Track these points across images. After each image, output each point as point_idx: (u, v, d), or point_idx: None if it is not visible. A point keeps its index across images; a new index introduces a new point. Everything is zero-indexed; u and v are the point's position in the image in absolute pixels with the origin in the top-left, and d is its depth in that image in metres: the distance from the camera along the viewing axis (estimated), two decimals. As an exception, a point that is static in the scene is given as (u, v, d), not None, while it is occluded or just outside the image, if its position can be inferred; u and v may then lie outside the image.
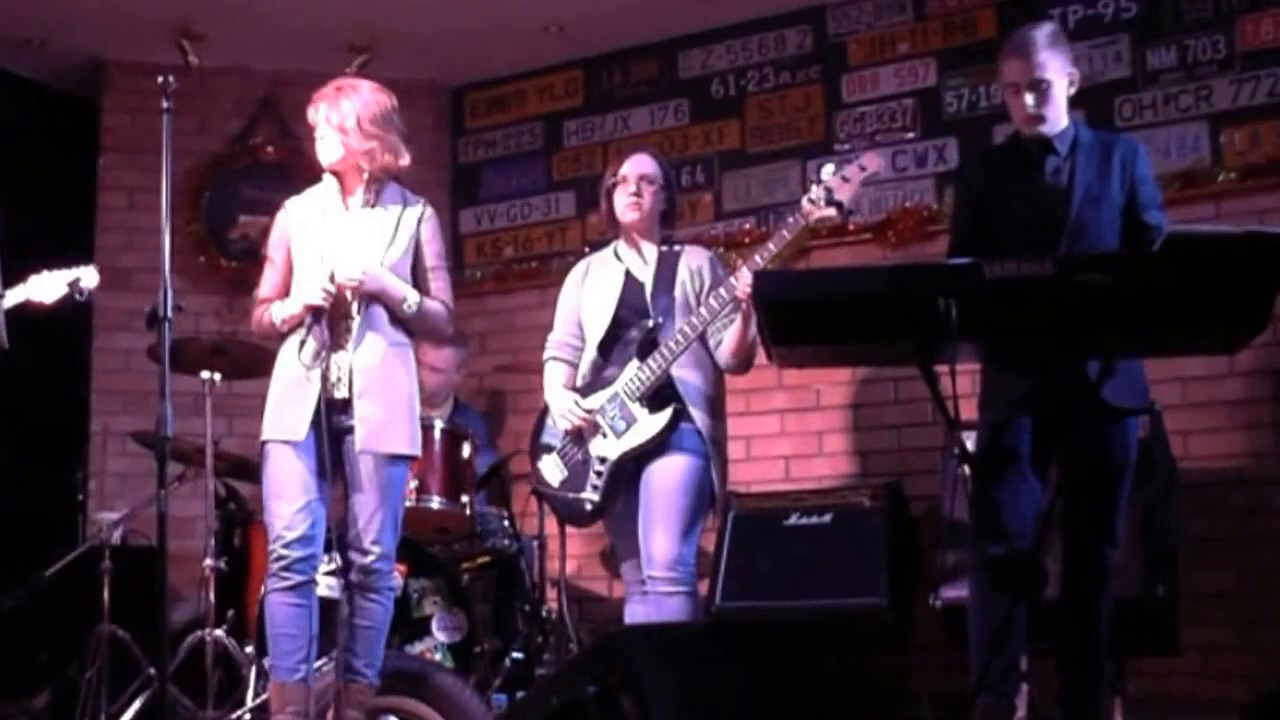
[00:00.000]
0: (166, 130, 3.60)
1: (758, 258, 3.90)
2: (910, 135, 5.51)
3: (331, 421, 3.63)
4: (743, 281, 3.87)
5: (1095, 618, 3.59)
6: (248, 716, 4.14)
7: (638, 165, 4.18)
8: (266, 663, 3.81)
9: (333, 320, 3.68)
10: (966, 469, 3.32)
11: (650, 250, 4.22)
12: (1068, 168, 3.64)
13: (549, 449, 4.20)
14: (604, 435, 4.06)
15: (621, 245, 4.26)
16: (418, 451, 3.82)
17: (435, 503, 4.70)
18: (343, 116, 3.71)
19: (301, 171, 3.89)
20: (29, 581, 4.92)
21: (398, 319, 3.74)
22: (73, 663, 4.81)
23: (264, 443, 3.71)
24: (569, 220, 6.19)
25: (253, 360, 4.47)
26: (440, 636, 4.52)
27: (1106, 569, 3.60)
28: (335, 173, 3.79)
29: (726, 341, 4.05)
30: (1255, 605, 4.56)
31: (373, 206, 3.78)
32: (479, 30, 5.88)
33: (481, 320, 6.21)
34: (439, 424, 4.82)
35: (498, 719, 4.10)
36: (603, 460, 4.06)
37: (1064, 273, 2.78)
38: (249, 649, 4.44)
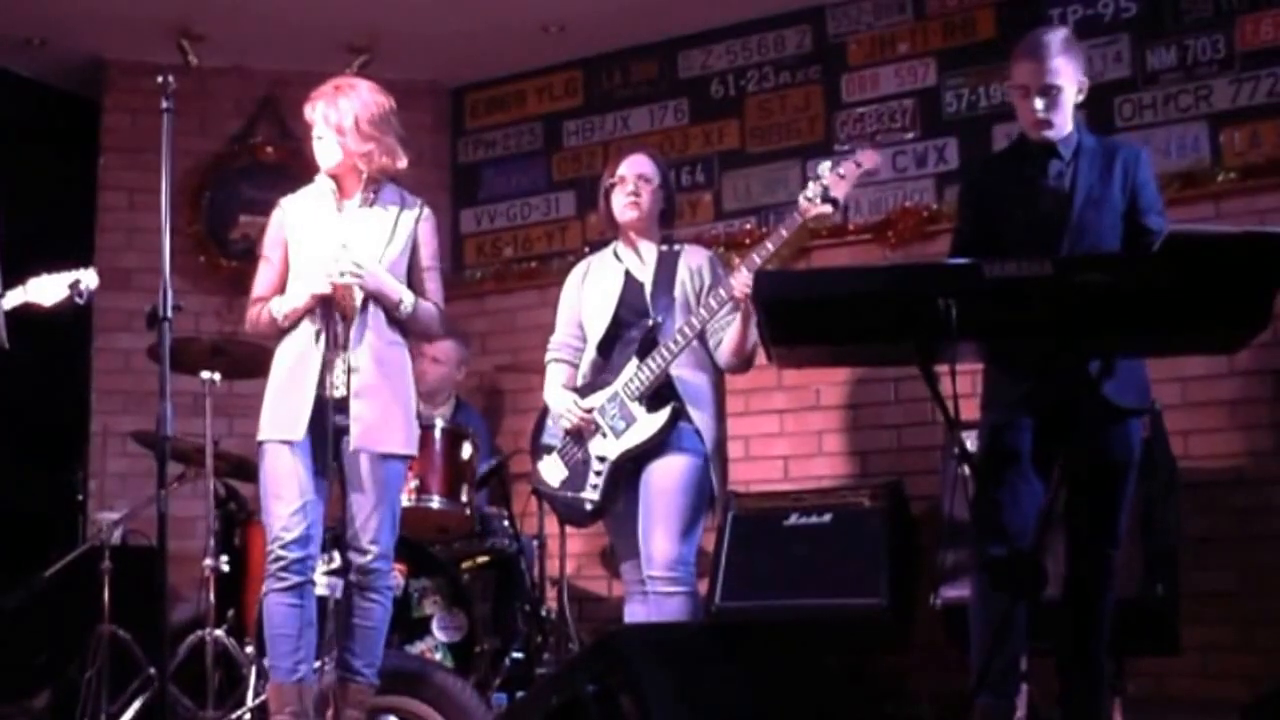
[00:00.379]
0: (166, 130, 3.60)
1: (755, 257, 3.90)
2: (910, 135, 5.51)
3: (328, 421, 3.62)
4: (739, 281, 3.87)
5: (1096, 618, 3.59)
6: (248, 716, 4.14)
7: (635, 165, 4.18)
8: (266, 662, 3.80)
9: (331, 316, 3.67)
10: (966, 469, 3.32)
11: (650, 250, 4.22)
12: (1070, 171, 3.64)
13: (549, 449, 4.20)
14: (603, 435, 4.07)
15: (621, 245, 4.26)
16: (414, 451, 3.81)
17: (435, 502, 4.70)
18: (341, 116, 3.69)
19: (301, 171, 3.88)
20: (29, 582, 4.92)
21: (393, 319, 3.73)
22: (73, 663, 4.82)
23: (261, 443, 3.70)
24: (569, 220, 6.19)
25: (253, 360, 4.47)
26: (440, 636, 4.53)
27: (1108, 569, 3.60)
28: (332, 174, 3.78)
29: (726, 341, 4.05)
30: (1255, 605, 4.56)
31: (370, 206, 3.77)
32: (479, 30, 5.88)
33: (481, 320, 6.22)
34: (440, 424, 4.82)
35: (498, 718, 4.09)
36: (602, 460, 4.07)
37: (1063, 273, 2.78)
38: (249, 649, 4.44)
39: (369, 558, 3.65)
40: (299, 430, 3.62)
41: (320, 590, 3.79)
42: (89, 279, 4.02)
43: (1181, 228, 2.90)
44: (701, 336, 4.05)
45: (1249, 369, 4.67)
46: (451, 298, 6.21)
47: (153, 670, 4.59)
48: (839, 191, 3.91)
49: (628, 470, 4.06)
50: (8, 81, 6.15)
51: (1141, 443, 3.67)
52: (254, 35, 5.86)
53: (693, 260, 4.18)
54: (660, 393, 4.02)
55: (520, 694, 4.65)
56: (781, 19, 5.78)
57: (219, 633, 4.57)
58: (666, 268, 4.16)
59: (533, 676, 4.84)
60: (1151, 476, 4.05)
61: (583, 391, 4.15)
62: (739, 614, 4.62)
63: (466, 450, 4.82)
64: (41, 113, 6.30)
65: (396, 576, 4.47)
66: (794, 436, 5.50)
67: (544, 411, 4.27)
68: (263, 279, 3.80)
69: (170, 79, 3.64)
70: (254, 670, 4.31)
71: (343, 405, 3.64)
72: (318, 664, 3.78)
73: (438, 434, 4.75)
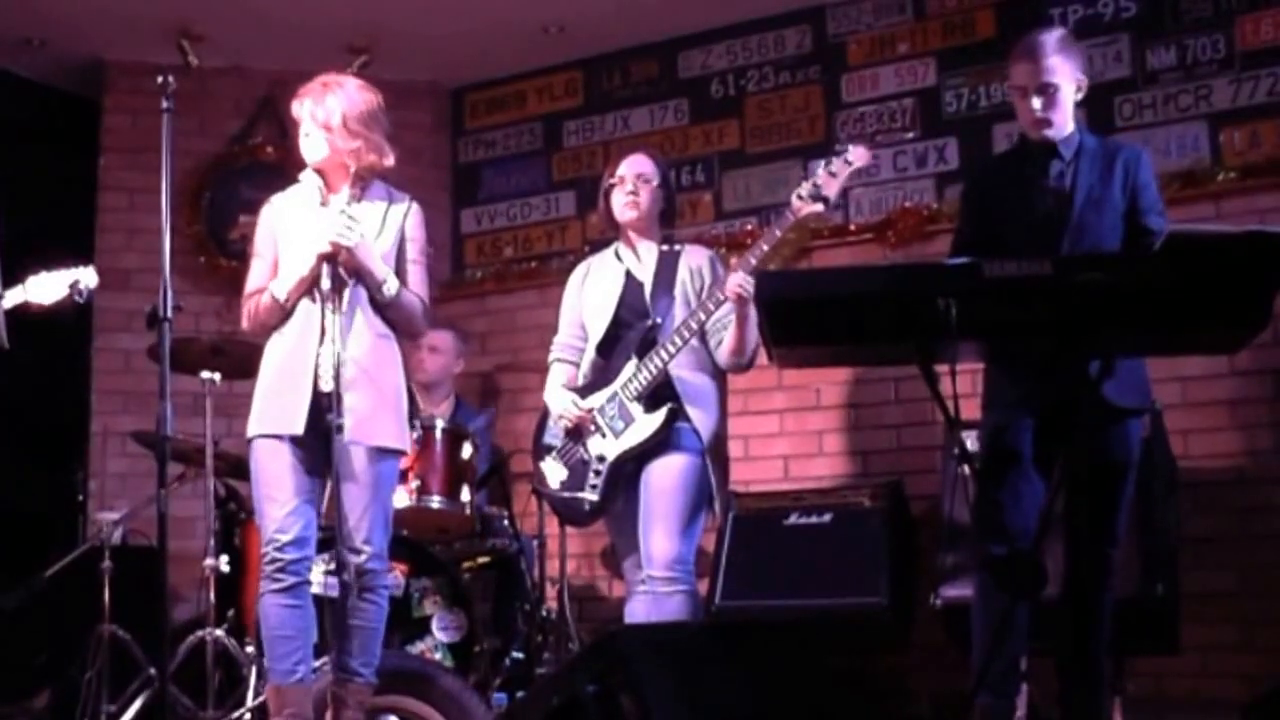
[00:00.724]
0: (167, 130, 3.60)
1: (750, 258, 3.92)
2: (910, 135, 5.51)
3: (320, 416, 3.57)
4: (734, 283, 3.88)
5: (1096, 618, 3.59)
6: (248, 716, 4.14)
7: (634, 165, 4.18)
8: (266, 664, 3.80)
9: (326, 298, 3.60)
10: (967, 468, 3.32)
11: (650, 250, 4.22)
12: (1071, 171, 3.65)
13: (550, 449, 4.21)
14: (603, 435, 4.07)
15: (621, 245, 4.26)
16: (406, 447, 3.77)
17: (436, 502, 4.69)
18: (328, 114, 3.67)
19: (300, 171, 3.87)
20: (29, 581, 4.92)
21: (379, 309, 3.68)
22: (73, 663, 4.81)
23: (251, 439, 3.66)
24: (569, 220, 6.19)
25: (252, 360, 4.43)
26: (440, 636, 4.52)
27: (1107, 569, 3.60)
28: (320, 170, 3.75)
29: (725, 341, 4.05)
30: (1255, 605, 4.56)
31: (359, 202, 3.71)
32: (479, 30, 5.88)
33: (481, 320, 6.22)
34: (440, 424, 4.82)
35: (498, 718, 4.10)
36: (601, 460, 4.07)
37: (1063, 273, 2.78)
38: (249, 649, 4.44)
39: (363, 558, 3.60)
40: (298, 424, 3.58)
41: (318, 589, 3.79)
42: (88, 278, 4.01)
43: (1181, 227, 2.90)
44: (702, 336, 4.05)
45: (1249, 369, 4.67)
46: (451, 298, 6.29)
47: (153, 670, 4.60)
48: (830, 189, 3.93)
49: (627, 470, 4.06)
50: (8, 81, 6.15)
51: (1141, 442, 3.67)
52: (254, 35, 5.86)
53: (693, 260, 4.18)
54: (659, 393, 4.03)
55: (520, 694, 4.65)
56: (781, 19, 5.78)
57: (219, 633, 4.57)
58: (667, 268, 4.16)
59: (533, 676, 4.84)
60: (1151, 476, 4.05)
61: (583, 391, 4.16)
62: (739, 614, 4.62)
63: (467, 450, 4.82)
64: (41, 113, 6.30)
65: (397, 576, 4.48)
66: (794, 436, 5.50)
67: (546, 411, 4.28)
68: (256, 274, 3.76)
69: (170, 79, 3.63)
70: (254, 670, 4.31)
71: (332, 400, 3.56)
72: (317, 664, 3.78)
73: (438, 434, 4.75)
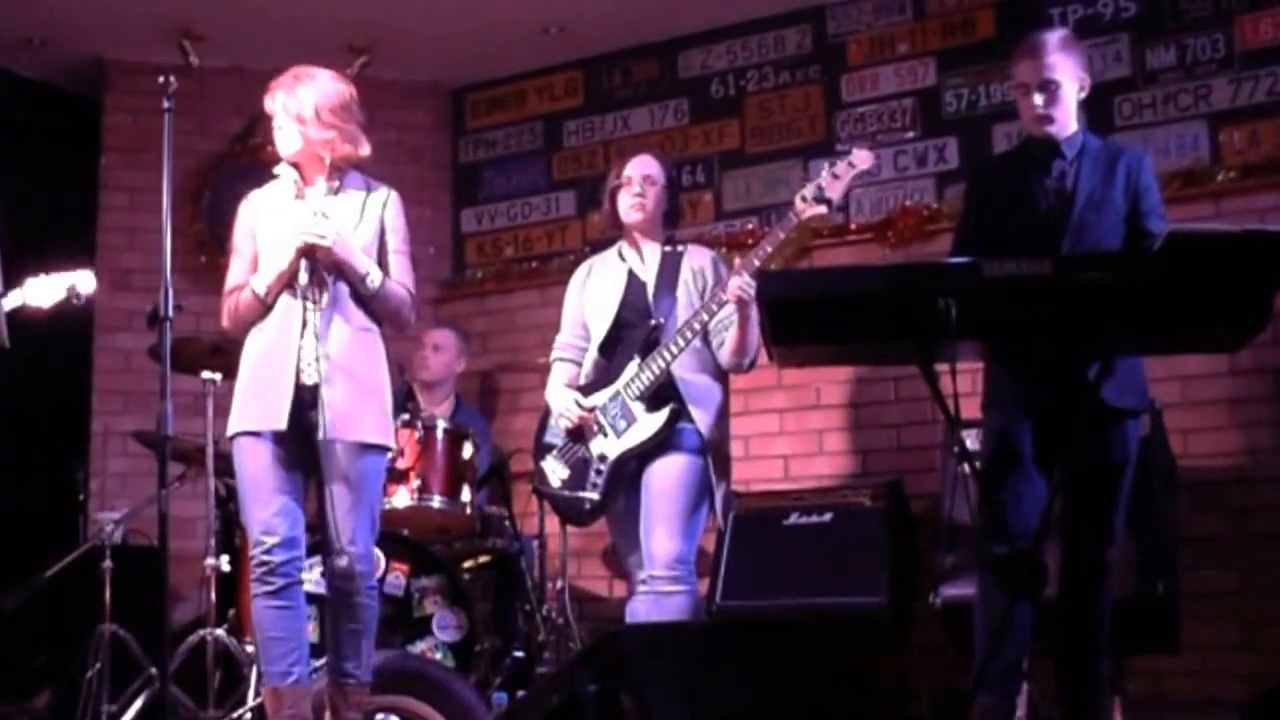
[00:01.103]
0: (167, 130, 3.60)
1: (754, 259, 3.93)
2: (910, 135, 5.51)
3: (302, 411, 3.53)
4: (736, 284, 3.89)
5: (1094, 617, 3.60)
6: (248, 716, 4.14)
7: (641, 166, 4.19)
8: (261, 665, 3.78)
9: (306, 289, 3.57)
10: (967, 467, 3.32)
11: (653, 250, 4.23)
12: (1073, 171, 3.66)
13: (551, 448, 4.21)
14: (604, 434, 4.08)
15: (624, 245, 4.27)
16: (390, 442, 3.69)
17: (436, 502, 4.70)
18: (300, 105, 3.62)
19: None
20: (30, 581, 4.92)
21: (363, 302, 3.64)
22: (74, 663, 4.81)
23: (233, 437, 3.61)
24: (569, 220, 6.19)
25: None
26: (441, 635, 4.52)
27: (1105, 567, 3.60)
28: (295, 163, 3.71)
29: (727, 342, 4.06)
30: (1255, 604, 4.56)
31: (336, 194, 3.69)
32: (479, 30, 5.88)
33: (482, 320, 6.22)
34: (441, 424, 4.82)
35: (498, 718, 4.10)
36: (603, 459, 4.08)
37: (1063, 272, 2.78)
38: (249, 648, 4.44)
39: (349, 560, 3.54)
40: (281, 419, 3.52)
41: (312, 588, 3.77)
42: (85, 283, 4.00)
43: (1181, 227, 2.90)
44: (704, 337, 4.06)
45: (1249, 368, 4.68)
46: (451, 298, 6.30)
47: (153, 670, 4.60)
48: (833, 191, 3.94)
49: (628, 470, 4.07)
50: (8, 81, 6.15)
51: (1139, 441, 3.68)
52: (254, 35, 5.86)
53: (695, 261, 4.19)
54: (661, 392, 4.03)
55: (521, 693, 4.65)
56: (781, 19, 5.78)
57: (220, 632, 4.57)
58: (669, 268, 4.18)
59: (533, 676, 4.84)
60: (1151, 475, 4.05)
61: (585, 390, 4.16)
62: (739, 613, 4.62)
63: (467, 450, 4.82)
64: (42, 112, 6.30)
65: (398, 576, 4.49)
66: (794, 436, 5.50)
67: (547, 411, 4.28)
68: (236, 270, 3.73)
69: (171, 79, 3.63)
70: (255, 670, 4.30)
71: (313, 395, 3.53)
72: (317, 664, 3.78)
73: (439, 434, 4.75)
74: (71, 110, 6.32)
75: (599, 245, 4.78)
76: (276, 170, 3.75)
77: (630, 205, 4.17)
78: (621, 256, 4.27)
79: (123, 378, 5.90)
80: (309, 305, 3.57)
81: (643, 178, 4.17)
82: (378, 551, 4.41)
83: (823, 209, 3.97)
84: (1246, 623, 4.57)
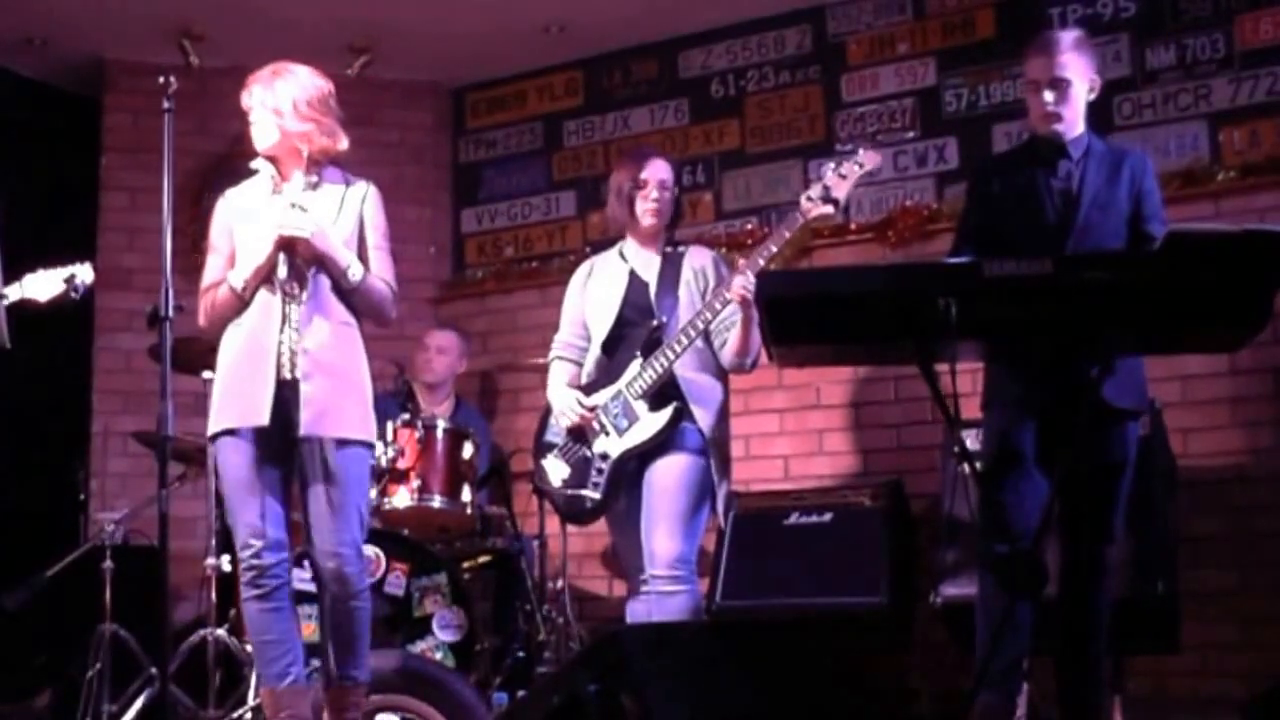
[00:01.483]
0: (167, 130, 3.60)
1: (758, 259, 3.93)
2: (910, 135, 5.51)
3: (282, 407, 3.49)
4: (738, 284, 3.89)
5: (1094, 616, 3.60)
6: (249, 716, 4.14)
7: (657, 171, 4.19)
8: (257, 668, 3.78)
9: (285, 283, 3.54)
10: (966, 467, 3.33)
11: (655, 251, 4.24)
12: (1079, 172, 3.67)
13: (552, 447, 4.21)
14: (606, 433, 4.08)
15: (628, 246, 4.27)
16: (372, 437, 3.64)
17: (437, 502, 4.70)
18: (278, 99, 3.60)
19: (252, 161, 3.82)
20: (31, 581, 4.92)
21: (343, 296, 3.60)
22: (74, 662, 4.82)
23: (214, 438, 3.59)
24: (569, 220, 6.20)
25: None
26: (441, 635, 4.52)
27: (1105, 567, 3.61)
28: (271, 157, 3.68)
29: (730, 342, 4.06)
30: (1255, 603, 4.56)
31: (315, 189, 3.66)
32: (479, 30, 5.88)
33: (482, 320, 6.22)
34: (441, 424, 4.82)
35: (498, 717, 4.10)
36: (604, 457, 4.08)
37: (1063, 272, 2.78)
38: (250, 648, 4.44)
39: (338, 563, 3.50)
40: (262, 415, 3.47)
41: (305, 586, 3.76)
42: (84, 274, 3.98)
43: (1181, 226, 2.90)
44: (706, 336, 4.06)
45: (1249, 367, 4.68)
46: (451, 297, 6.31)
47: (154, 670, 4.60)
48: (840, 192, 3.95)
49: (630, 469, 4.07)
50: (8, 81, 6.15)
51: (1138, 441, 3.68)
52: (254, 35, 5.85)
53: (696, 260, 4.20)
54: (664, 392, 4.03)
55: (521, 693, 4.65)
56: (781, 19, 5.79)
57: (220, 632, 4.58)
58: (671, 268, 4.19)
59: (533, 675, 4.84)
60: (1151, 475, 4.05)
61: (587, 390, 4.16)
62: (739, 613, 4.62)
63: (468, 450, 4.82)
64: (42, 112, 6.30)
65: (399, 577, 4.49)
66: (794, 436, 5.51)
67: (547, 410, 4.28)
68: (213, 268, 3.68)
69: (171, 79, 3.62)
70: (255, 670, 4.31)
71: (293, 392, 3.50)
72: (316, 664, 3.78)
73: (439, 434, 4.75)
74: (71, 110, 6.32)
75: (599, 245, 4.78)
76: (253, 165, 3.71)
77: (648, 210, 4.18)
78: (623, 256, 4.27)
79: (123, 378, 5.90)
80: (288, 299, 3.55)
81: (658, 182, 4.18)
82: (378, 551, 4.44)
83: (829, 209, 3.97)
84: (1246, 622, 4.57)
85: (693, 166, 5.88)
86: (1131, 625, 3.88)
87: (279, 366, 3.51)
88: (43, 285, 3.96)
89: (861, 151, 4.02)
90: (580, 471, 4.12)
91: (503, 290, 6.23)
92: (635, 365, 4.07)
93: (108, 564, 4.77)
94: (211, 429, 3.60)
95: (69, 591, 4.92)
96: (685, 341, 4.00)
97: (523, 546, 5.09)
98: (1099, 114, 4.87)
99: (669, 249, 4.24)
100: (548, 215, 6.26)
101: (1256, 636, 4.55)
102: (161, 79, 3.61)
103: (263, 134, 3.64)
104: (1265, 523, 4.62)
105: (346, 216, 3.66)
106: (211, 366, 4.63)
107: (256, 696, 4.20)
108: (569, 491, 4.14)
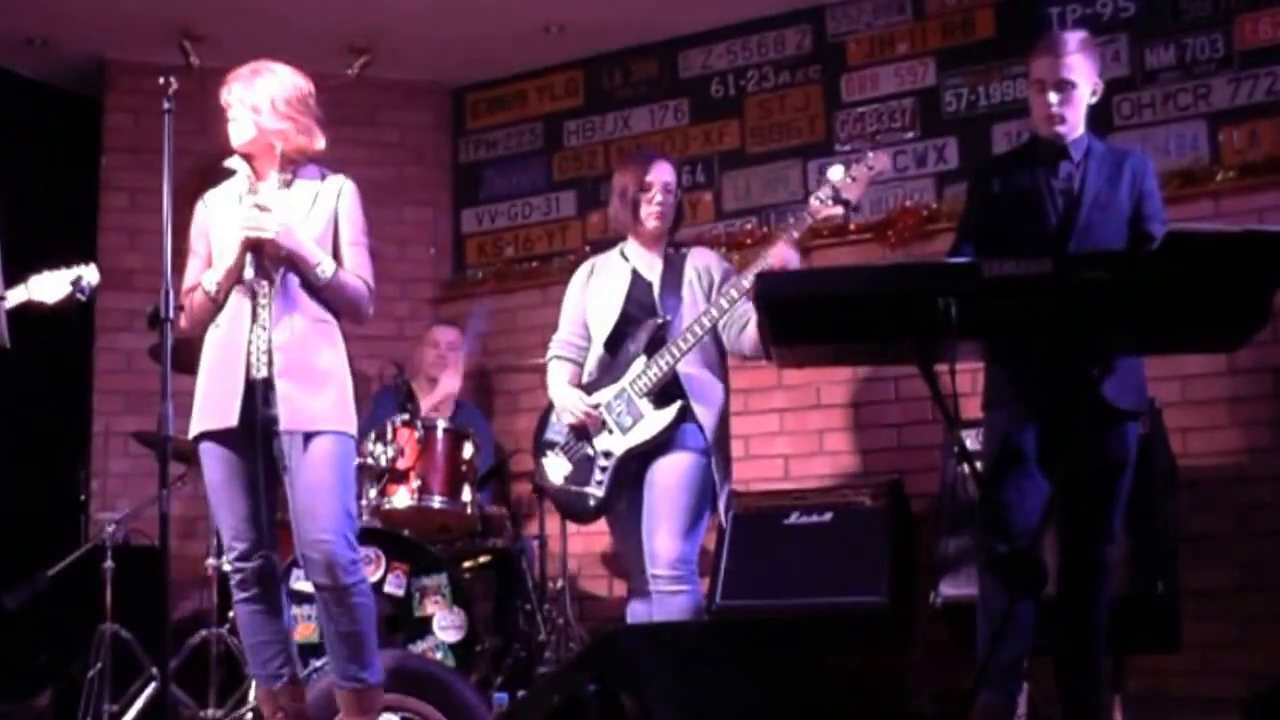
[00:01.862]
0: (168, 130, 3.60)
1: (761, 261, 3.94)
2: (910, 135, 5.52)
3: (257, 408, 3.47)
4: (749, 281, 3.90)
5: (1093, 615, 3.60)
6: (249, 715, 4.15)
7: (663, 174, 4.20)
8: (250, 669, 3.77)
9: (257, 283, 3.52)
10: (966, 467, 3.33)
11: (657, 251, 4.24)
12: (1080, 173, 3.68)
13: (553, 445, 4.22)
14: (610, 431, 4.08)
15: (630, 247, 4.27)
16: (350, 428, 3.57)
17: (437, 502, 4.70)
18: (256, 97, 3.60)
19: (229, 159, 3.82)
20: (32, 580, 4.92)
21: (316, 293, 3.57)
22: (75, 662, 4.83)
23: (196, 440, 3.57)
24: (569, 220, 6.20)
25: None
26: (441, 635, 4.53)
27: (1104, 566, 3.61)
28: (247, 155, 3.68)
29: (751, 328, 4.02)
30: (1255, 602, 4.57)
31: (288, 186, 3.65)
32: (479, 30, 5.89)
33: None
34: (441, 424, 4.82)
35: (499, 717, 4.10)
36: (608, 455, 4.08)
37: (1063, 271, 2.78)
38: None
39: (325, 551, 3.42)
40: (231, 416, 3.48)
41: (304, 586, 3.75)
42: (90, 275, 3.99)
43: (1181, 226, 2.90)
44: (713, 333, 4.07)
45: (1248, 366, 4.68)
46: (451, 297, 6.31)
47: (155, 669, 4.61)
48: (851, 194, 3.96)
49: (632, 468, 4.07)
50: (8, 81, 6.15)
51: (1138, 441, 3.69)
52: (254, 36, 5.83)
53: (699, 260, 4.21)
54: (667, 390, 4.04)
55: (521, 693, 4.65)
56: (781, 19, 5.79)
57: (221, 631, 4.58)
58: (674, 268, 4.20)
59: (534, 675, 4.85)
60: (1151, 474, 4.06)
61: (588, 388, 4.17)
62: (740, 613, 4.63)
63: (468, 450, 4.83)
64: (42, 113, 6.30)
65: (399, 577, 4.49)
66: (794, 435, 5.51)
67: (547, 409, 4.28)
68: (191, 270, 3.68)
69: (171, 79, 3.63)
70: (249, 670, 4.32)
71: (268, 390, 3.48)
72: (318, 664, 3.78)
73: (439, 434, 4.76)
74: (71, 110, 6.32)
75: (599, 245, 4.78)
76: (228, 163, 3.71)
77: (654, 213, 4.18)
78: (624, 257, 4.27)
79: (124, 378, 5.90)
80: (259, 299, 3.53)
81: (663, 186, 4.19)
82: (378, 551, 4.44)
83: (839, 210, 3.98)
84: (1247, 621, 4.57)
85: (693, 166, 5.89)
86: (1131, 624, 3.88)
87: (249, 366, 3.50)
88: (50, 287, 3.96)
89: (870, 154, 4.03)
90: (582, 469, 4.12)
91: (503, 290, 6.23)
92: (640, 363, 4.07)
93: (108, 564, 4.77)
94: (191, 431, 3.59)
95: (70, 591, 4.92)
96: (691, 339, 4.00)
97: (523, 546, 5.10)
98: (1098, 114, 4.88)
99: (671, 250, 4.25)
100: (548, 215, 6.26)
101: (1256, 635, 4.56)
102: (162, 79, 3.61)
103: (239, 131, 3.65)
104: (1265, 522, 4.63)
105: (319, 213, 3.63)
106: (210, 367, 4.69)
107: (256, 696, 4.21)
108: (571, 489, 4.14)
